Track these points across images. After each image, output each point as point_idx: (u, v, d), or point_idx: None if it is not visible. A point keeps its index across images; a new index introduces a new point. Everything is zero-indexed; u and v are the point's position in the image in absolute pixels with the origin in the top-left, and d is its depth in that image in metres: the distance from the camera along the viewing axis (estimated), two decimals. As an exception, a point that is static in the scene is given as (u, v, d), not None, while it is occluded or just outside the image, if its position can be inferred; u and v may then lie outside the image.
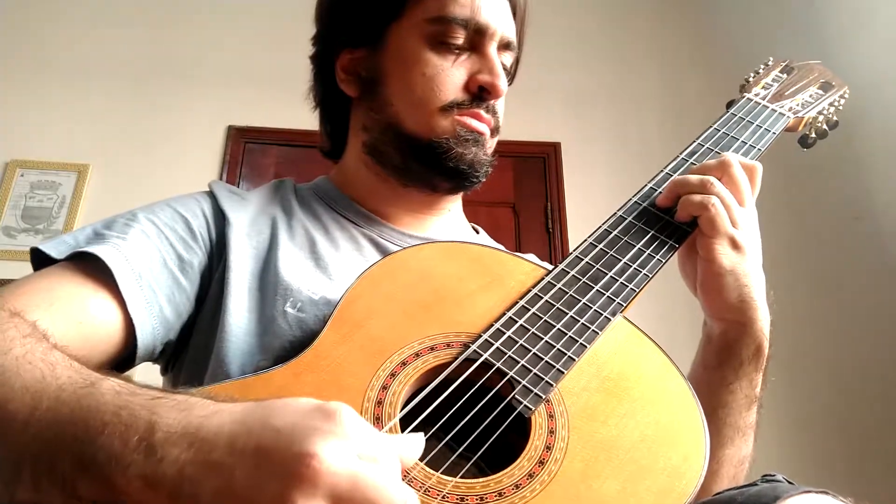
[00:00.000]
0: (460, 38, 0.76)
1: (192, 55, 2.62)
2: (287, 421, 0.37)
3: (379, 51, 0.79)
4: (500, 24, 0.78)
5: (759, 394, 0.66)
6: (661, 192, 0.69)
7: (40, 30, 2.58)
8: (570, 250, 0.65)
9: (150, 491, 0.36)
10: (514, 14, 0.82)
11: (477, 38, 0.76)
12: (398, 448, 0.41)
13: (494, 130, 0.80)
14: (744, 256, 0.64)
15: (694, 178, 0.67)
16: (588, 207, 2.46)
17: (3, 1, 2.58)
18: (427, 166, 0.77)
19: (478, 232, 0.92)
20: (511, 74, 0.85)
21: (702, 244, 0.65)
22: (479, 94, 0.77)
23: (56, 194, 2.34)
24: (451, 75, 0.75)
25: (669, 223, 0.67)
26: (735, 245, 0.64)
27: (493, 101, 0.78)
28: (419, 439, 0.43)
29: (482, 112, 0.77)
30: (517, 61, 0.85)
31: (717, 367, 0.65)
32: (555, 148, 2.64)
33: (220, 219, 0.73)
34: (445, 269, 0.63)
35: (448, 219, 0.87)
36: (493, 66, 0.76)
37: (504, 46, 0.80)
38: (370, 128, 0.80)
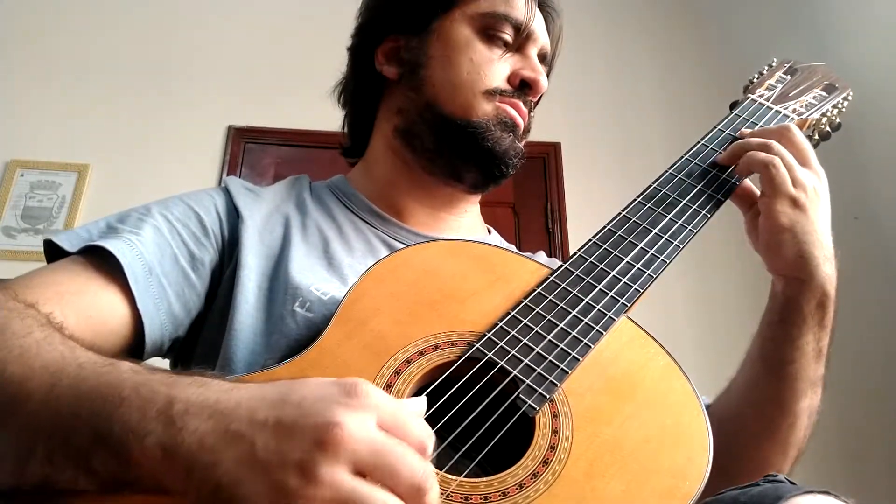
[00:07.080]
0: (508, 35, 0.79)
1: (192, 55, 2.62)
2: (308, 394, 0.38)
3: (425, 38, 0.81)
4: (543, 36, 0.83)
5: (826, 347, 0.68)
6: (720, 153, 0.72)
7: (40, 30, 2.57)
8: (575, 249, 0.65)
9: (166, 462, 0.37)
10: (549, 36, 0.86)
11: (523, 40, 0.80)
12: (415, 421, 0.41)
13: (526, 130, 0.82)
14: (805, 215, 0.65)
15: (756, 140, 0.69)
16: (588, 207, 2.45)
17: (3, 1, 2.57)
18: (459, 151, 0.78)
19: (490, 233, 0.92)
20: None
21: (762, 203, 0.66)
22: (521, 88, 0.80)
23: (56, 194, 2.34)
24: (498, 66, 0.79)
25: (677, 214, 0.67)
26: (795, 204, 0.65)
27: (533, 97, 0.81)
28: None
29: (521, 104, 0.80)
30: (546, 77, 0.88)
31: (780, 322, 0.67)
32: (555, 148, 2.64)
33: (234, 216, 0.74)
34: (450, 267, 0.63)
35: (464, 221, 0.86)
36: (536, 65, 0.81)
37: (541, 58, 0.83)
38: (406, 109, 0.81)
